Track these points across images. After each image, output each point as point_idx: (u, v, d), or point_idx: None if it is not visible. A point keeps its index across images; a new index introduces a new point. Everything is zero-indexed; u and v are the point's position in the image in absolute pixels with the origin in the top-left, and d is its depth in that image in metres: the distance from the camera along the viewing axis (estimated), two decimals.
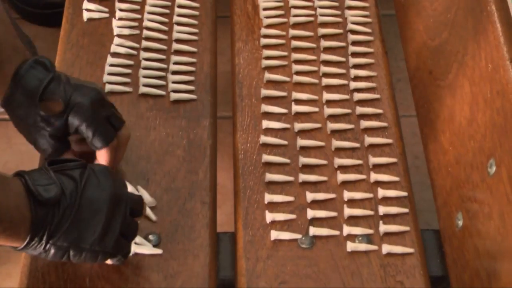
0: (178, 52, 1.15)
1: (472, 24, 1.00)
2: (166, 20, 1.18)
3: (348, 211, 0.98)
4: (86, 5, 1.18)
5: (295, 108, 1.09)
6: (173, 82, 1.11)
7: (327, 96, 1.11)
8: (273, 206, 0.99)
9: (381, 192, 1.00)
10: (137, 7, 1.19)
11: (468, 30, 1.01)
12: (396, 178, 1.02)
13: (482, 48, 0.96)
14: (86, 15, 1.17)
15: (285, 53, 1.16)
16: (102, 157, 0.95)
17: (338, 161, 1.04)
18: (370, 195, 1.00)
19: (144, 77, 1.11)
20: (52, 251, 0.84)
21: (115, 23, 1.17)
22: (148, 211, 0.97)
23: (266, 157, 1.04)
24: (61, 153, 0.96)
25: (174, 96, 1.10)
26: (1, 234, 0.81)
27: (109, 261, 0.90)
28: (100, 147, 0.94)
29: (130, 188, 0.99)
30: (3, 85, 0.93)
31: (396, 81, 1.74)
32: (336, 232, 0.97)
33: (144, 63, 1.13)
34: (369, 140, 1.06)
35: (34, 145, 0.96)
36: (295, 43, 1.17)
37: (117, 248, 0.88)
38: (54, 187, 0.83)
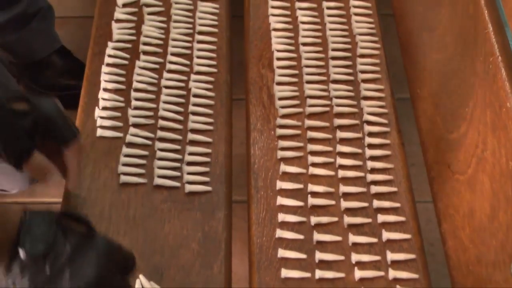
0: (193, 143, 1.14)
1: (491, 119, 0.99)
2: (181, 109, 1.18)
3: None
4: (102, 94, 1.18)
5: (311, 201, 1.08)
6: (188, 173, 1.10)
7: (343, 188, 1.09)
8: None
9: None
10: (152, 96, 1.19)
11: (487, 125, 1.00)
12: (415, 275, 1.00)
13: (502, 145, 0.95)
14: (102, 104, 1.17)
15: (301, 144, 1.15)
16: (71, 155, 0.96)
17: (356, 257, 1.02)
18: None
19: (159, 168, 1.10)
20: None
21: (130, 112, 1.16)
22: None
23: (282, 252, 1.02)
24: (28, 157, 0.93)
25: (189, 187, 1.08)
26: None
27: None
28: (67, 140, 0.95)
29: (144, 281, 0.97)
30: None
31: (410, 165, 1.73)
32: None
33: (159, 153, 1.12)
34: (386, 235, 1.04)
35: (1, 157, 0.94)
36: (311, 133, 1.16)
37: None
38: (41, 245, 0.81)
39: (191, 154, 1.13)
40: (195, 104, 1.19)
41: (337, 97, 1.21)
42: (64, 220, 0.84)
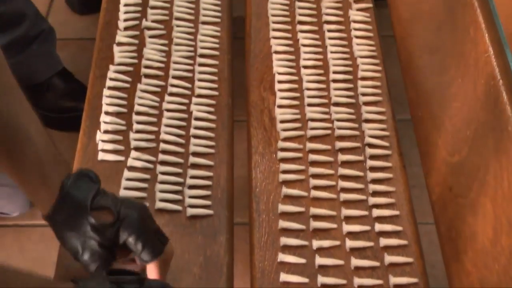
0: (194, 166, 1.14)
1: (493, 142, 0.99)
2: (183, 132, 1.18)
3: None
4: (103, 117, 1.18)
5: (313, 224, 1.08)
6: (190, 197, 1.10)
7: (345, 212, 1.09)
8: None
9: None
10: (154, 119, 1.19)
11: (488, 149, 0.99)
12: None
13: (504, 168, 0.94)
14: (103, 127, 1.17)
15: (302, 167, 1.15)
16: (152, 271, 0.93)
17: (358, 281, 1.01)
18: None
19: (161, 191, 1.10)
20: None
21: (131, 135, 1.16)
22: None
23: (284, 276, 1.02)
24: (107, 266, 0.92)
25: (190, 211, 1.08)
26: None
27: None
28: (148, 260, 0.92)
29: None
30: (47, 197, 0.91)
31: (411, 187, 1.72)
32: None
33: (161, 177, 1.12)
34: (389, 259, 1.04)
35: (80, 259, 0.92)
36: (312, 156, 1.16)
37: None
38: None
39: (192, 177, 1.12)
40: (196, 127, 1.19)
41: (338, 120, 1.21)
42: (113, 275, 0.86)
